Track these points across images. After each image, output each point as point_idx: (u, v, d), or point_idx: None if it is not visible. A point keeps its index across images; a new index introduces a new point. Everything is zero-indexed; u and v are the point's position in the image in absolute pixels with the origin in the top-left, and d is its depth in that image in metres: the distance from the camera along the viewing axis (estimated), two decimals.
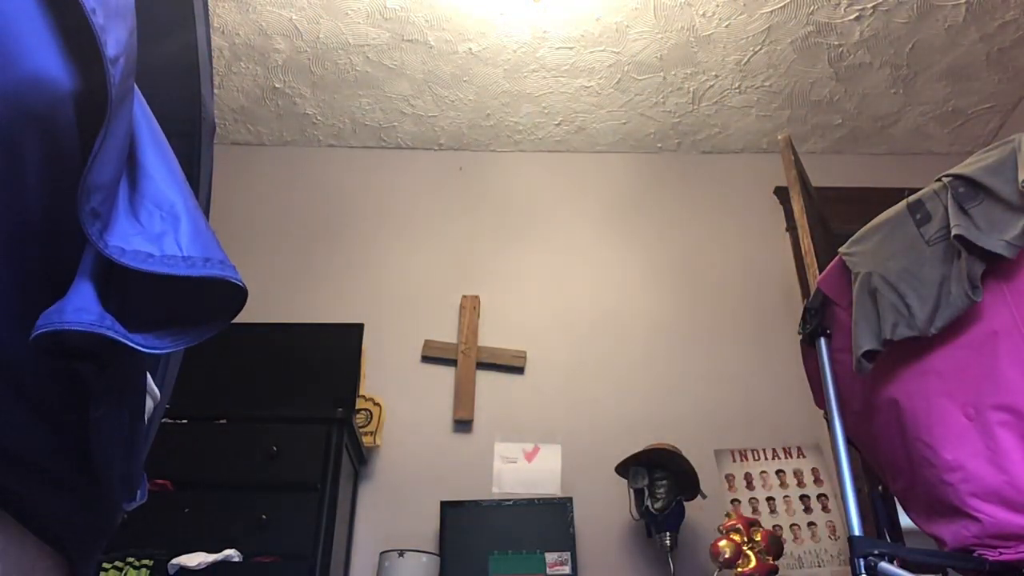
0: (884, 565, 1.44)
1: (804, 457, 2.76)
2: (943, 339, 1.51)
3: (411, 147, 3.47)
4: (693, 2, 2.75)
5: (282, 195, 3.34)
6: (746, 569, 2.16)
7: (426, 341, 2.97)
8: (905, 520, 1.91)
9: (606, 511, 2.62)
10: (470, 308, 3.04)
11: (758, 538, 2.21)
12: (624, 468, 2.51)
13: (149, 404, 1.05)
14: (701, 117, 3.30)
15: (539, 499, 2.56)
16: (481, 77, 3.09)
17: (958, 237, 1.45)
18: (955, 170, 1.55)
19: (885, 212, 1.68)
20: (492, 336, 2.99)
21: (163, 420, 1.21)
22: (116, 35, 0.67)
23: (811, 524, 2.60)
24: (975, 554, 1.45)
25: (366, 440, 2.69)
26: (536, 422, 2.82)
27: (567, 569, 2.38)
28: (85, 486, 0.90)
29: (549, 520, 2.48)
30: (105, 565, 1.88)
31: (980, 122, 3.32)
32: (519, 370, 2.93)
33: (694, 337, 3.02)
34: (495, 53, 2.98)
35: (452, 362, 2.94)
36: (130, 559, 1.91)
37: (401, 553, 2.32)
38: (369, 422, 2.75)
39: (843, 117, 3.29)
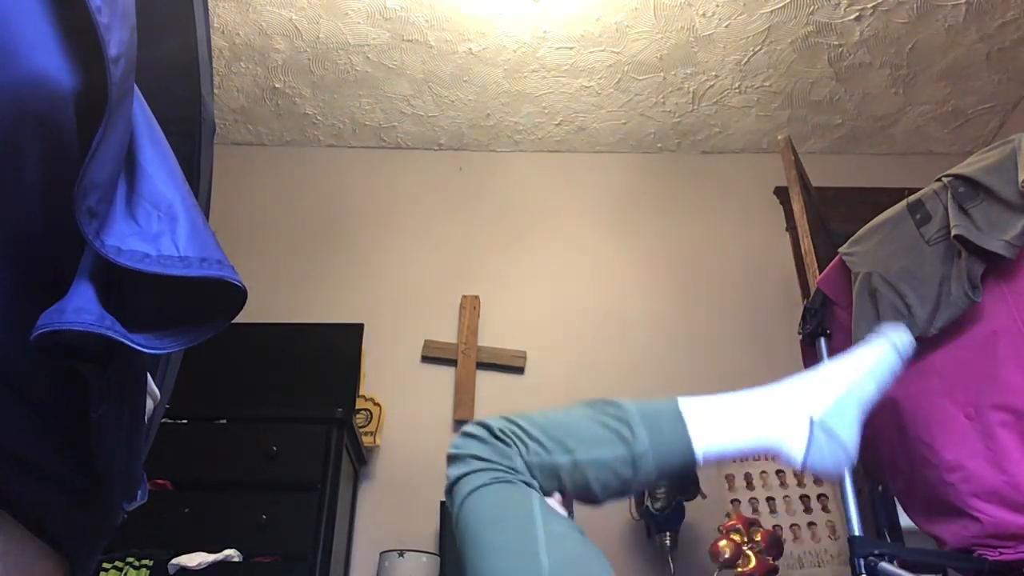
0: (884, 565, 1.44)
1: None
2: (943, 339, 1.51)
3: (411, 147, 3.47)
4: (693, 2, 2.75)
5: (282, 195, 3.34)
6: (746, 569, 2.16)
7: (426, 341, 2.97)
8: (905, 520, 1.91)
9: (606, 511, 2.60)
10: (470, 308, 3.04)
11: (758, 538, 2.21)
12: None
13: (149, 404, 1.05)
14: (701, 117, 3.30)
15: None
16: (481, 77, 3.09)
17: (958, 237, 1.45)
18: (955, 170, 1.55)
19: (885, 212, 1.68)
20: (492, 336, 2.99)
21: (163, 420, 1.21)
22: (119, 35, 0.67)
23: (811, 524, 2.60)
24: (975, 554, 1.45)
25: (366, 440, 2.69)
26: None
27: None
28: (85, 486, 0.90)
29: None
30: (105, 565, 1.88)
31: (980, 122, 3.32)
32: (519, 370, 2.93)
33: (694, 337, 3.02)
34: (495, 53, 2.98)
35: (452, 362, 2.94)
36: (130, 559, 1.91)
37: (401, 553, 2.32)
38: (369, 422, 2.75)
39: (843, 117, 3.29)
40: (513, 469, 0.94)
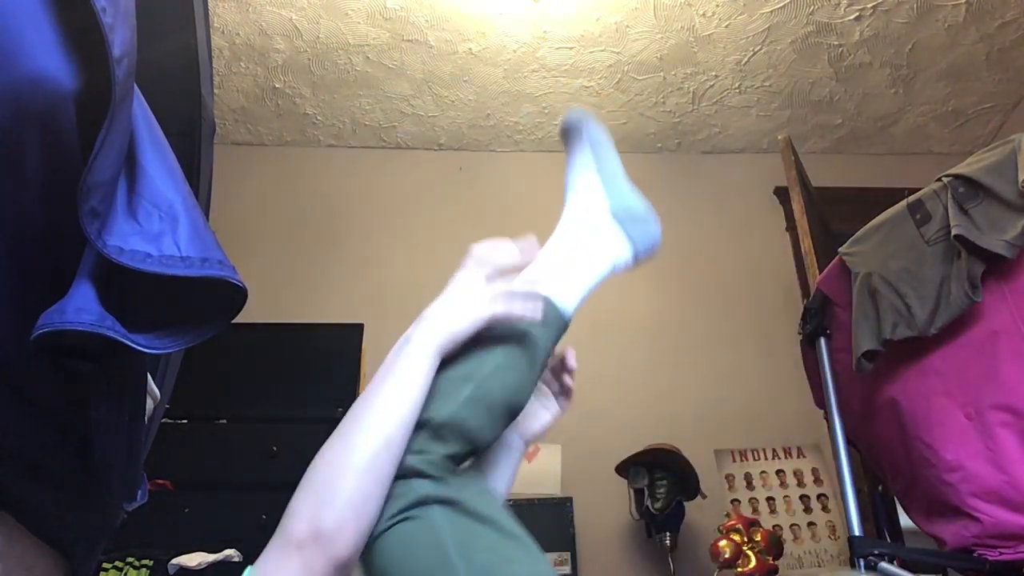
0: (884, 565, 1.44)
1: (804, 457, 2.76)
2: (943, 339, 1.51)
3: (411, 147, 3.47)
4: (693, 2, 2.75)
5: (282, 195, 3.34)
6: (746, 569, 2.16)
7: None
8: (905, 520, 1.91)
9: (606, 511, 2.61)
10: None
11: (758, 538, 2.21)
12: (624, 468, 2.51)
13: (149, 404, 1.05)
14: (701, 117, 3.30)
15: (539, 499, 2.56)
16: (481, 77, 3.09)
17: (958, 237, 1.45)
18: (955, 170, 1.55)
19: (885, 212, 1.68)
20: None
21: (163, 420, 1.21)
22: (122, 35, 0.67)
23: (811, 524, 2.60)
24: (975, 554, 1.45)
25: None
26: None
27: (567, 569, 2.38)
28: (85, 486, 0.90)
29: (549, 520, 2.48)
30: (105, 565, 1.88)
31: (980, 122, 3.32)
32: None
33: (694, 337, 3.02)
34: (495, 53, 2.98)
35: None
36: (130, 559, 1.91)
37: None
38: None
39: (843, 117, 3.29)
40: (417, 480, 0.78)
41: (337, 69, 3.05)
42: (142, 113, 0.85)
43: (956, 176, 1.54)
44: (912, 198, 1.62)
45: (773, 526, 2.56)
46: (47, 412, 0.81)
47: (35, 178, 0.68)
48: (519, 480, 2.93)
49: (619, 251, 1.06)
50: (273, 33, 2.89)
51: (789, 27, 2.86)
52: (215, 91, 2.69)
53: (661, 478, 2.42)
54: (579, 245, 1.06)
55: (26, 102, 0.63)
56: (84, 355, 0.76)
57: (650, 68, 3.04)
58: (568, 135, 1.18)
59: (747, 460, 2.75)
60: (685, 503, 2.45)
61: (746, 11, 2.79)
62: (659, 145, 3.45)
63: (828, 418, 1.73)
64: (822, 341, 1.80)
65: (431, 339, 0.88)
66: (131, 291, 0.75)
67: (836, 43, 2.93)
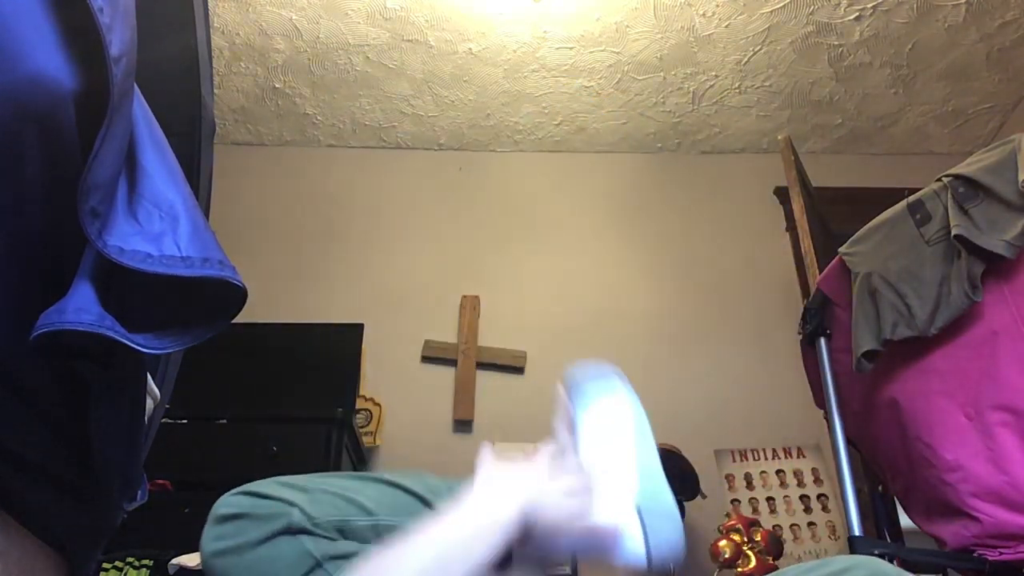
0: None
1: (804, 457, 2.76)
2: (943, 339, 1.51)
3: (411, 147, 3.47)
4: (693, 2, 2.75)
5: (282, 195, 3.34)
6: (746, 569, 2.16)
7: (426, 341, 2.97)
8: (905, 520, 1.91)
9: None
10: (470, 308, 3.04)
11: (758, 538, 2.21)
12: None
13: (149, 404, 1.05)
14: (701, 117, 3.30)
15: None
16: (481, 77, 3.09)
17: (958, 237, 1.45)
18: (955, 170, 1.55)
19: (885, 212, 1.68)
20: (492, 336, 2.99)
21: (163, 420, 1.21)
22: (120, 34, 0.67)
23: (811, 524, 2.60)
24: (975, 554, 1.45)
25: (366, 440, 2.69)
26: (536, 422, 2.81)
27: (567, 569, 2.38)
28: (85, 486, 0.90)
29: None
30: (105, 565, 1.88)
31: (980, 122, 3.32)
32: (519, 370, 2.93)
33: (694, 337, 3.02)
34: (495, 53, 2.97)
35: (452, 362, 2.93)
36: (130, 559, 1.91)
37: None
38: (369, 422, 2.75)
39: (843, 117, 3.29)
40: None
41: (337, 69, 3.05)
42: (142, 113, 0.85)
43: (956, 176, 1.54)
44: (912, 198, 1.62)
45: (773, 526, 2.56)
46: (47, 412, 0.81)
47: (35, 178, 0.68)
48: None
49: (631, 543, 0.82)
50: (273, 33, 2.89)
51: (789, 27, 2.86)
52: (215, 91, 2.69)
53: None
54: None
55: (25, 102, 0.63)
56: (84, 355, 0.76)
57: (650, 68, 3.04)
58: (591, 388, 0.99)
59: (747, 460, 2.75)
60: (685, 503, 2.44)
61: (746, 11, 2.79)
62: (659, 145, 3.45)
63: (828, 418, 1.73)
64: (822, 341, 1.80)
65: (515, 500, 0.74)
66: (131, 291, 0.75)
67: (836, 43, 2.93)
